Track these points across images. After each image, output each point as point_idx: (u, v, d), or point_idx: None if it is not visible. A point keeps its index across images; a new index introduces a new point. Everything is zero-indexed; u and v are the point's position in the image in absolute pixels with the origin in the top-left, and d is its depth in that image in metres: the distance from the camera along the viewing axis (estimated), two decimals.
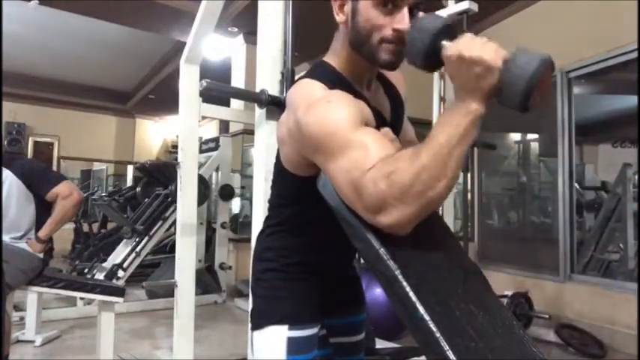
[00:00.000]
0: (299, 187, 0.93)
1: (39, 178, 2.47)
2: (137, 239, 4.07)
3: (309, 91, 0.84)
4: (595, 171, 6.11)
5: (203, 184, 4.16)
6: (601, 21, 3.63)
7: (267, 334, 0.94)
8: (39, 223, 2.48)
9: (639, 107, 3.46)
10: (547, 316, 3.51)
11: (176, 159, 2.29)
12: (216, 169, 4.94)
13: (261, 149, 1.68)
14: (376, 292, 2.81)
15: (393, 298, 0.75)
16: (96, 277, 3.79)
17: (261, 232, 1.05)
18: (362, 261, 1.19)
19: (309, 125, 0.78)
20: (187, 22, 2.56)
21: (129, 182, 7.43)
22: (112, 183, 8.30)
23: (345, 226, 0.81)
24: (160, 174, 4.42)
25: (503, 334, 0.74)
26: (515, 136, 5.19)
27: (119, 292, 2.57)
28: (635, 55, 3.32)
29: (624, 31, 3.35)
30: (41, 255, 2.46)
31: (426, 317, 0.68)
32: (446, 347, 0.66)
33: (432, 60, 0.77)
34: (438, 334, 0.67)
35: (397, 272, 0.72)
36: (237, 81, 5.31)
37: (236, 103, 4.45)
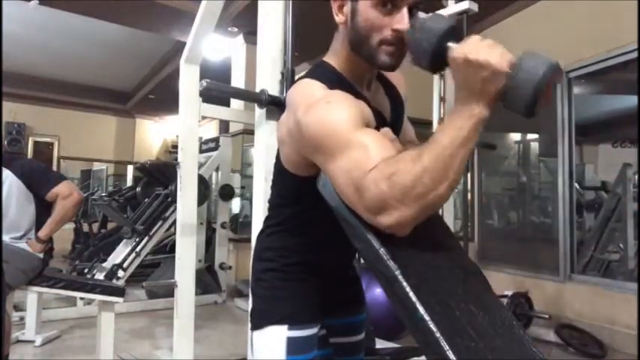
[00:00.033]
0: (299, 187, 0.93)
1: (39, 178, 2.47)
2: (137, 239, 4.07)
3: (309, 91, 0.84)
4: (595, 171, 6.12)
5: (203, 184, 4.16)
6: (601, 21, 3.63)
7: (266, 334, 0.94)
8: (39, 223, 2.48)
9: (639, 107, 3.46)
10: (547, 316, 3.51)
11: (176, 159, 2.29)
12: (216, 169, 4.94)
13: (261, 149, 1.68)
14: (376, 292, 2.81)
15: (393, 298, 0.75)
16: (96, 277, 3.79)
17: (261, 231, 1.05)
18: (362, 261, 1.19)
19: (309, 125, 0.78)
20: (187, 22, 2.56)
21: (129, 182, 7.43)
22: (112, 183, 8.30)
23: (345, 226, 0.81)
24: (160, 174, 4.42)
25: (503, 334, 0.74)
26: (515, 136, 5.19)
27: (119, 292, 2.57)
28: (635, 55, 3.32)
29: (624, 31, 3.35)
30: (41, 255, 2.46)
31: (426, 317, 0.68)
32: (446, 347, 0.66)
33: (437, 61, 0.76)
34: (438, 334, 0.67)
35: (397, 272, 0.72)
36: (237, 81, 5.31)
37: (236, 103, 4.45)
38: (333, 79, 0.89)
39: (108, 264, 3.98)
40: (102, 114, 9.48)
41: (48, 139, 8.80)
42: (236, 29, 5.20)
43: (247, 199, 5.34)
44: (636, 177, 4.16)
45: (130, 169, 8.16)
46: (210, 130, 8.51)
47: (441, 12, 3.01)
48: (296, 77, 1.49)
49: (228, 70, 5.52)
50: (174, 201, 3.87)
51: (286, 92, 1.60)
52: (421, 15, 0.82)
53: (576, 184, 4.11)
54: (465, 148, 0.70)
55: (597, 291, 3.54)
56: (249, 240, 1.34)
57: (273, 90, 1.66)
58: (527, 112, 0.69)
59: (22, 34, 6.19)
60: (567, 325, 3.49)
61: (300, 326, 0.93)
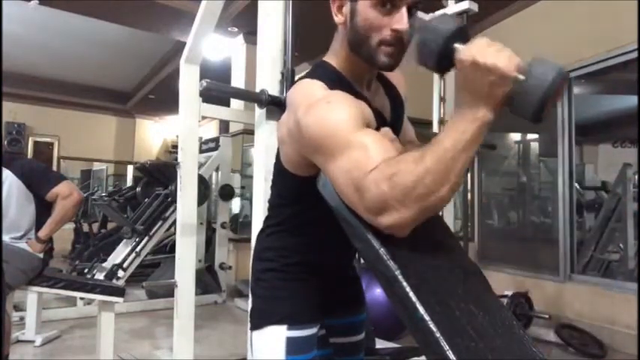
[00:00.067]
0: (299, 187, 0.93)
1: (39, 178, 2.47)
2: (137, 239, 4.07)
3: (309, 91, 0.84)
4: (595, 171, 6.12)
5: (203, 184, 4.16)
6: (601, 21, 3.63)
7: (266, 334, 0.94)
8: (39, 223, 2.48)
9: (639, 107, 3.46)
10: (547, 316, 3.51)
11: (176, 159, 2.29)
12: (216, 169, 4.94)
13: (261, 149, 1.68)
14: (376, 292, 2.81)
15: (393, 298, 0.75)
16: (96, 277, 3.79)
17: (261, 231, 1.05)
18: (362, 261, 1.19)
19: (309, 126, 0.78)
20: (187, 22, 2.56)
21: (129, 182, 7.43)
22: (112, 183, 8.30)
23: (345, 226, 0.81)
24: (160, 174, 4.42)
25: (503, 334, 0.74)
26: (515, 136, 5.19)
27: (119, 292, 2.57)
28: (635, 55, 3.32)
29: (624, 31, 3.35)
30: (41, 255, 2.46)
31: (426, 317, 0.68)
32: (446, 347, 0.66)
33: (443, 63, 0.76)
34: (438, 334, 0.67)
35: (397, 272, 0.72)
36: (237, 81, 5.31)
37: (236, 103, 4.45)
38: (333, 79, 0.89)
39: (108, 264, 3.98)
40: (102, 114, 9.48)
41: (48, 139, 8.80)
42: (236, 29, 5.20)
43: (247, 199, 5.34)
44: (636, 177, 4.16)
45: (130, 169, 8.16)
46: (210, 130, 8.51)
47: (441, 12, 3.02)
48: (296, 77, 1.49)
49: (228, 70, 5.52)
50: (174, 201, 3.87)
51: (286, 92, 1.60)
52: (421, 15, 0.82)
53: (576, 184, 4.11)
54: (467, 151, 0.69)
55: (597, 291, 3.54)
56: (249, 240, 1.34)
57: (273, 90, 1.66)
58: (534, 118, 0.68)
59: (22, 34, 6.19)
60: (567, 325, 3.49)
61: (299, 326, 0.93)
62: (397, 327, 3.00)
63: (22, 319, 3.29)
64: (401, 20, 0.84)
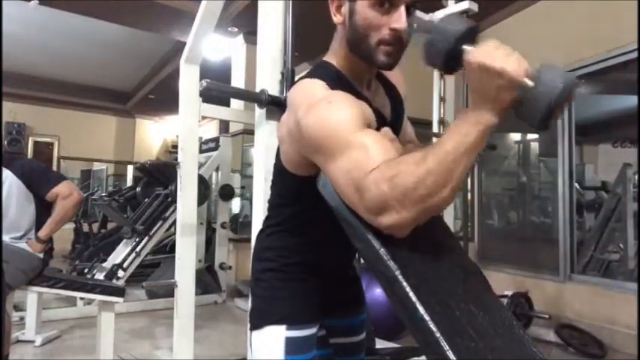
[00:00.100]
0: (299, 187, 0.93)
1: (39, 178, 2.47)
2: (137, 239, 4.06)
3: (310, 91, 0.84)
4: (595, 171, 6.12)
5: (203, 184, 4.16)
6: (601, 21, 3.63)
7: (265, 334, 0.94)
8: (39, 223, 2.48)
9: (639, 107, 3.46)
10: (547, 316, 3.51)
11: (176, 159, 2.29)
12: (216, 169, 4.94)
13: (261, 149, 1.68)
14: (376, 292, 2.81)
15: (393, 298, 0.75)
16: (96, 277, 3.79)
17: (261, 231, 1.05)
18: (362, 261, 1.19)
19: (309, 126, 0.78)
20: (187, 22, 2.56)
21: (129, 182, 7.43)
22: (112, 183, 8.29)
23: (345, 226, 0.81)
24: (160, 174, 4.42)
25: (503, 334, 0.74)
26: (515, 136, 5.19)
27: (119, 292, 2.57)
28: (635, 55, 3.32)
29: (624, 31, 3.35)
30: (41, 255, 2.46)
31: (426, 317, 0.68)
32: (446, 347, 0.66)
33: (451, 64, 0.75)
34: (438, 334, 0.67)
35: (397, 272, 0.72)
36: (237, 81, 5.31)
37: (236, 103, 4.45)
38: (334, 79, 0.89)
39: (108, 264, 3.98)
40: (102, 114, 9.48)
41: (48, 139, 8.80)
42: (236, 29, 5.20)
43: (247, 199, 5.34)
44: (636, 177, 4.16)
45: (130, 169, 8.16)
46: (210, 130, 8.51)
47: (441, 12, 3.02)
48: (296, 77, 1.49)
49: (228, 70, 5.52)
50: (174, 201, 3.87)
51: (286, 92, 1.60)
52: (430, 15, 0.81)
53: (576, 184, 4.11)
54: (469, 154, 0.69)
55: (597, 291, 3.54)
56: (249, 240, 1.34)
57: (273, 90, 1.66)
58: (541, 126, 0.68)
59: (22, 34, 6.19)
60: (567, 325, 3.49)
61: (298, 326, 0.93)
62: (397, 327, 3.00)
63: (22, 319, 3.29)
64: (399, 19, 0.84)
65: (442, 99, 3.01)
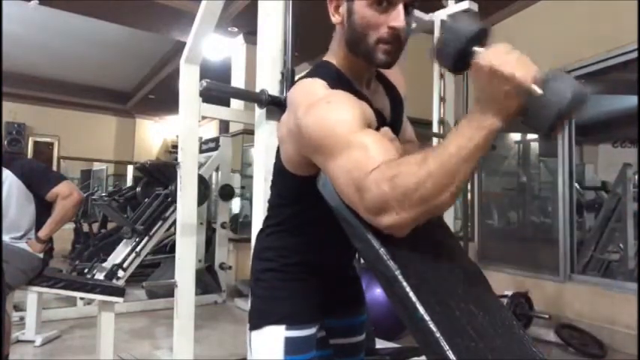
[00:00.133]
0: (299, 187, 0.93)
1: (39, 178, 2.47)
2: (137, 239, 4.06)
3: (310, 90, 0.84)
4: (595, 171, 6.12)
5: (203, 184, 4.16)
6: (601, 21, 3.63)
7: (264, 334, 0.94)
8: (39, 223, 2.48)
9: (639, 107, 3.46)
10: (547, 316, 3.51)
11: (176, 159, 2.29)
12: (216, 169, 4.94)
13: (261, 149, 1.68)
14: (376, 292, 2.81)
15: (393, 298, 0.75)
16: (96, 277, 3.79)
17: (261, 231, 1.05)
18: (362, 261, 1.19)
19: (309, 126, 0.78)
20: (187, 22, 2.56)
21: (129, 182, 7.42)
22: (112, 183, 8.29)
23: (345, 226, 0.81)
24: (160, 174, 4.42)
25: (503, 334, 0.74)
26: (515, 136, 5.19)
27: (119, 292, 2.57)
28: (635, 55, 3.32)
29: (624, 31, 3.35)
30: (41, 255, 2.46)
31: (426, 317, 0.68)
32: (446, 347, 0.66)
33: (460, 64, 0.74)
34: (438, 334, 0.67)
35: (397, 272, 0.72)
36: (237, 81, 5.31)
37: (236, 103, 4.45)
38: (334, 78, 0.89)
39: (108, 264, 3.98)
40: (102, 114, 9.48)
41: (48, 139, 8.80)
42: (236, 29, 5.20)
43: (247, 199, 5.34)
44: (636, 177, 4.16)
45: (130, 169, 8.16)
46: (210, 130, 8.51)
47: (441, 12, 3.02)
48: (296, 77, 1.49)
49: (228, 70, 5.52)
50: (174, 201, 3.87)
51: (286, 92, 1.60)
52: (457, 15, 0.79)
53: (576, 184, 4.11)
54: (471, 158, 0.68)
55: (597, 291, 3.54)
56: (249, 240, 1.34)
57: (273, 90, 1.66)
58: (547, 134, 0.67)
59: (22, 34, 6.19)
60: (567, 325, 3.49)
61: (298, 326, 0.93)
62: (397, 327, 3.00)
63: (22, 319, 3.29)
64: (398, 17, 0.85)
65: (442, 99, 3.01)
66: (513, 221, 5.09)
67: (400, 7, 0.85)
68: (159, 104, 9.01)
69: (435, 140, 3.00)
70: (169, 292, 3.41)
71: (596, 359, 3.14)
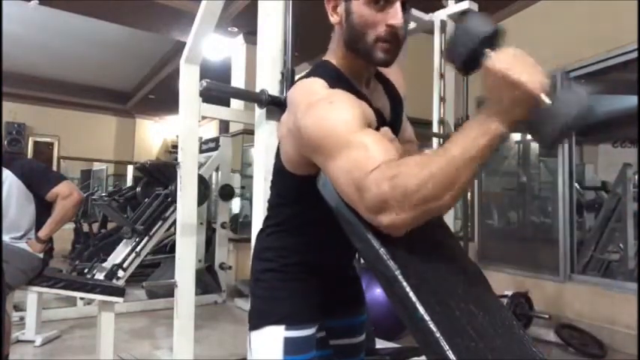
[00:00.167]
0: (298, 187, 0.93)
1: (39, 178, 2.47)
2: (137, 239, 4.06)
3: (310, 90, 0.85)
4: (595, 171, 6.11)
5: (203, 184, 4.16)
6: (601, 21, 3.63)
7: (264, 334, 0.94)
8: (39, 223, 2.48)
9: (639, 107, 3.46)
10: (547, 316, 3.51)
11: (176, 159, 2.29)
12: (216, 169, 4.94)
13: (261, 149, 1.68)
14: (376, 292, 2.81)
15: (393, 298, 0.74)
16: (96, 277, 3.79)
17: (261, 231, 1.05)
18: (362, 261, 1.19)
19: (309, 126, 0.78)
20: (187, 22, 2.56)
21: (129, 182, 7.43)
22: (112, 183, 8.29)
23: (345, 226, 0.81)
24: (160, 174, 4.42)
25: (503, 334, 0.74)
26: (515, 136, 5.18)
27: (119, 292, 2.57)
28: (635, 55, 3.32)
29: (624, 31, 3.35)
30: (41, 255, 2.46)
31: (426, 317, 0.68)
32: (446, 347, 0.66)
33: (471, 65, 0.73)
34: (438, 334, 0.67)
35: (397, 272, 0.72)
36: (237, 81, 5.31)
37: (236, 103, 4.45)
38: (333, 77, 0.90)
39: (108, 264, 3.98)
40: (102, 114, 9.49)
41: (48, 139, 8.81)
42: (236, 29, 5.21)
43: (247, 199, 5.34)
44: (636, 177, 4.15)
45: (130, 169, 8.16)
46: (210, 130, 8.51)
47: (441, 12, 3.02)
48: (296, 77, 1.49)
49: (228, 70, 5.52)
50: (174, 201, 3.87)
51: (286, 92, 1.60)
52: (471, 15, 0.77)
53: (576, 184, 4.11)
54: (475, 162, 0.68)
55: (597, 291, 3.54)
56: (249, 240, 1.34)
57: (273, 90, 1.66)
58: (550, 146, 0.66)
59: (22, 34, 6.19)
60: (567, 325, 3.49)
61: (297, 326, 0.93)
62: (397, 327, 3.00)
63: (22, 319, 3.29)
64: (395, 15, 0.85)
65: (442, 99, 3.01)
66: (513, 221, 5.09)
67: (397, 5, 0.85)
68: (159, 104, 9.01)
69: (435, 140, 3.00)
70: (169, 292, 3.41)
71: (596, 359, 3.14)
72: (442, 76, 3.01)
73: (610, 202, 4.14)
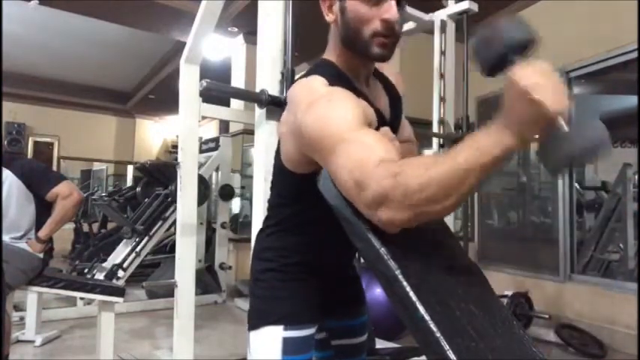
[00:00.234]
0: (298, 186, 0.93)
1: (39, 178, 2.47)
2: (137, 239, 4.06)
3: (310, 88, 0.85)
4: (595, 171, 6.11)
5: (203, 184, 4.16)
6: (601, 21, 3.63)
7: (262, 334, 0.94)
8: (39, 223, 2.48)
9: (639, 107, 3.46)
10: (547, 316, 3.51)
11: (176, 159, 2.29)
12: (216, 169, 4.94)
13: (261, 149, 1.68)
14: (376, 292, 2.81)
15: (393, 298, 0.74)
16: (96, 277, 3.79)
17: (261, 231, 1.05)
18: (362, 261, 1.19)
19: (309, 125, 0.78)
20: (187, 22, 2.56)
21: (129, 182, 7.43)
22: (112, 183, 8.29)
23: (345, 225, 0.81)
24: (160, 174, 4.42)
25: (503, 334, 0.74)
26: None
27: (119, 292, 2.57)
28: (635, 55, 3.32)
29: (624, 31, 3.35)
30: (41, 255, 2.46)
31: (426, 317, 0.68)
32: (446, 347, 0.66)
33: (496, 70, 0.71)
34: (438, 334, 0.66)
35: (397, 272, 0.72)
36: (237, 81, 5.31)
37: (236, 103, 4.45)
38: (333, 75, 0.90)
39: (108, 264, 3.98)
40: (102, 114, 9.48)
41: (48, 139, 8.80)
42: (236, 29, 5.21)
43: (247, 199, 5.34)
44: (636, 177, 4.15)
45: (130, 169, 8.16)
46: (210, 130, 8.51)
47: (441, 12, 3.02)
48: (296, 77, 1.49)
49: (228, 70, 5.52)
50: (174, 201, 3.87)
51: (286, 92, 1.60)
52: (505, 19, 0.74)
53: (576, 184, 4.11)
54: (480, 173, 0.65)
55: (597, 291, 3.54)
56: (249, 240, 1.34)
57: (273, 90, 1.66)
58: (556, 170, 0.65)
59: (22, 34, 6.19)
60: (567, 325, 3.49)
61: (296, 326, 0.93)
62: (397, 327, 3.00)
63: (22, 319, 3.29)
64: (390, 10, 0.86)
65: (442, 99, 3.01)
66: (513, 221, 5.08)
67: (392, 0, 0.86)
68: (159, 104, 9.01)
69: (435, 140, 3.00)
70: (169, 292, 3.41)
71: (596, 359, 3.14)
72: (442, 76, 3.01)
73: (610, 202, 4.13)
